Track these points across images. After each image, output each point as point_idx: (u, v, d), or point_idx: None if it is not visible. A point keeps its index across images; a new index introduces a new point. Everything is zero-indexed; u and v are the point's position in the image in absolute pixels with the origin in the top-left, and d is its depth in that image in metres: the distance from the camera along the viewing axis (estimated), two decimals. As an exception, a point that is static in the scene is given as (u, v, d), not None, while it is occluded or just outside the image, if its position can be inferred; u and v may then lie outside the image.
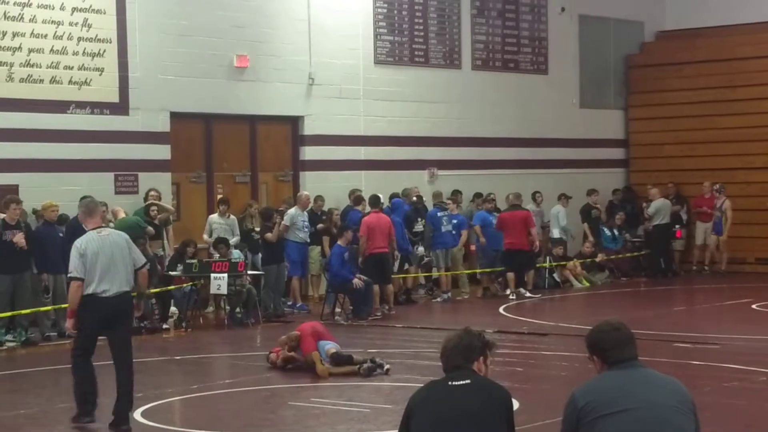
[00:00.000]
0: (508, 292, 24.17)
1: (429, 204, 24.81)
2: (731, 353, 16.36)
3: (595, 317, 19.02)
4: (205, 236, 21.90)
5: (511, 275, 24.21)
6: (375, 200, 22.38)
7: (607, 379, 6.49)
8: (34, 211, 19.65)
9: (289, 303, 22.39)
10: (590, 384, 6.57)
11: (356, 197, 23.58)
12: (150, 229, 20.81)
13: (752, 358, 15.89)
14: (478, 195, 25.94)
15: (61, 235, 19.11)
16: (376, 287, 21.42)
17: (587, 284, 26.16)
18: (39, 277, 19.05)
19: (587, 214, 27.89)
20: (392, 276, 22.22)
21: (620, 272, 27.71)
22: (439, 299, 23.94)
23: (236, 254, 21.23)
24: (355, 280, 20.83)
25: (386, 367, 14.99)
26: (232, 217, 22.12)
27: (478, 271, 25.16)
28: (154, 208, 21.25)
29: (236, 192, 23.85)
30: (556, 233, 27.20)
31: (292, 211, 22.50)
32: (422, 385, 6.88)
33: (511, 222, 24.24)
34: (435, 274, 24.74)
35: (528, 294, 24.28)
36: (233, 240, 21.63)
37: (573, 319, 20.21)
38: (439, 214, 23.96)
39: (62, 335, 19.11)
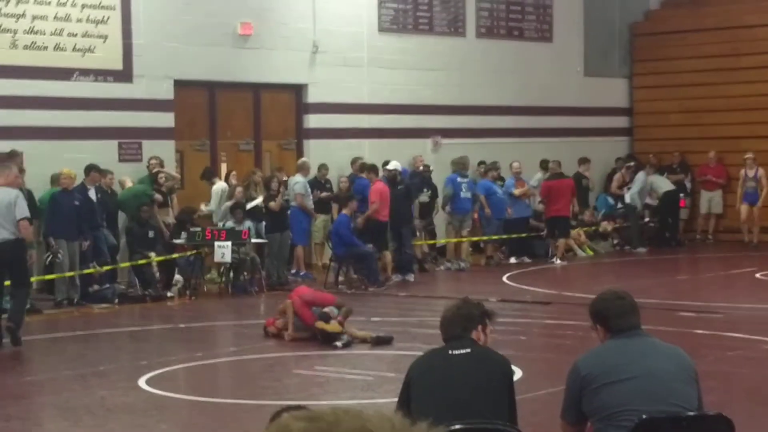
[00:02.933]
0: (556, 260, 24.66)
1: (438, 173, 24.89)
2: (735, 322, 16.38)
3: (599, 286, 19.02)
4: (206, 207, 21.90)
5: (557, 241, 24.85)
6: (376, 169, 22.62)
7: (610, 348, 6.52)
8: (53, 179, 19.64)
9: (293, 271, 22.42)
10: (593, 353, 6.60)
11: (362, 165, 23.56)
12: (158, 196, 20.87)
13: (756, 326, 15.92)
14: (481, 163, 25.88)
15: (76, 203, 19.13)
16: (389, 255, 21.67)
17: (591, 253, 26.16)
18: (45, 243, 19.07)
19: (577, 183, 27.70)
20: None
21: (624, 240, 27.69)
22: (442, 267, 23.95)
23: (246, 223, 21.21)
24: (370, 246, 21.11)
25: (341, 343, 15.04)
26: (219, 184, 22.09)
27: (483, 238, 25.15)
28: (162, 175, 21.29)
29: (240, 160, 23.84)
30: (628, 199, 27.26)
31: (303, 179, 22.55)
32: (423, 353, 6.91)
33: (557, 190, 24.77)
34: (441, 241, 24.75)
35: (558, 260, 24.67)
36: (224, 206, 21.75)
37: (576, 288, 20.23)
38: (458, 179, 23.95)
39: (71, 303, 19.16)
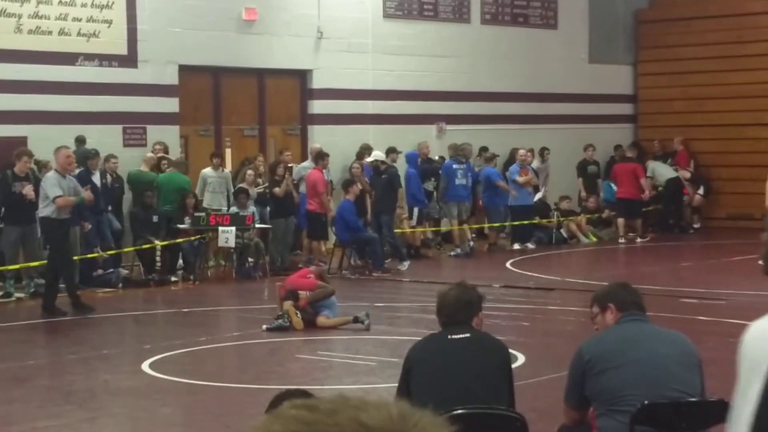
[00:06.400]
0: (621, 239, 25.98)
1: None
2: (737, 308, 16.39)
3: (602, 272, 19.08)
4: (198, 192, 21.68)
5: (621, 221, 26.15)
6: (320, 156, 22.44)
7: (613, 333, 6.56)
8: (36, 162, 19.58)
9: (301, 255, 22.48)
10: (597, 338, 6.64)
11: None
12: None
13: (758, 313, 15.67)
14: (483, 149, 25.86)
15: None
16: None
17: (594, 239, 26.17)
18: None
19: (583, 170, 27.76)
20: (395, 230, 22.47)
21: (627, 227, 27.67)
22: (452, 253, 23.90)
23: (250, 208, 21.22)
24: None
25: (366, 321, 15.07)
26: (225, 170, 22.05)
27: (486, 225, 25.18)
28: (164, 162, 21.32)
29: (244, 145, 23.85)
30: None
31: (306, 164, 22.60)
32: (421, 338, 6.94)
33: (621, 173, 26.35)
34: (444, 228, 24.78)
35: (639, 240, 25.90)
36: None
37: (579, 274, 20.25)
38: (454, 166, 23.95)
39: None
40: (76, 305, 16.70)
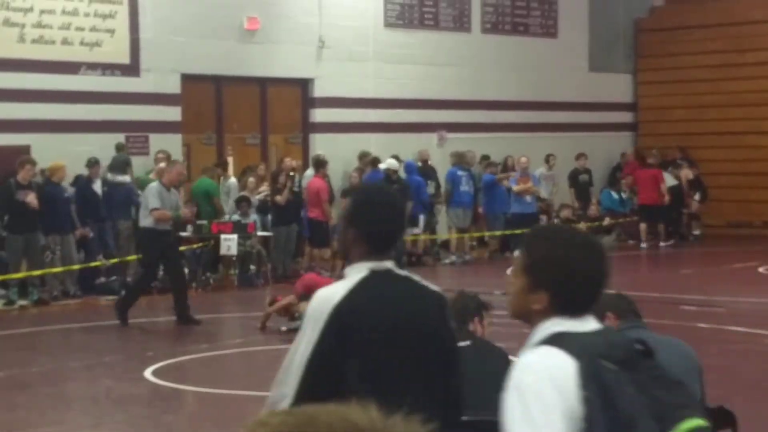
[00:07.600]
0: (642, 244, 26.58)
1: (439, 166, 24.92)
2: (737, 316, 16.46)
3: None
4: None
5: (643, 226, 26.73)
6: (320, 163, 22.56)
7: (612, 341, 6.61)
8: (42, 172, 19.67)
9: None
10: (596, 345, 6.68)
11: (373, 159, 23.47)
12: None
13: (758, 320, 15.99)
14: (485, 157, 25.93)
15: (66, 195, 19.23)
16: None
17: (594, 247, 26.15)
18: (44, 237, 19.10)
19: (574, 179, 27.77)
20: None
21: (627, 235, 27.75)
22: (447, 261, 23.99)
23: (252, 216, 21.30)
24: None
25: None
26: (231, 179, 22.18)
27: (486, 234, 25.22)
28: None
29: (246, 154, 23.93)
30: None
31: (309, 172, 22.68)
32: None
33: (641, 179, 27.03)
34: (442, 236, 24.82)
35: (662, 244, 26.60)
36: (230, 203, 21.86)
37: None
38: (459, 173, 24.04)
39: (66, 294, 19.22)
40: (184, 318, 16.57)
